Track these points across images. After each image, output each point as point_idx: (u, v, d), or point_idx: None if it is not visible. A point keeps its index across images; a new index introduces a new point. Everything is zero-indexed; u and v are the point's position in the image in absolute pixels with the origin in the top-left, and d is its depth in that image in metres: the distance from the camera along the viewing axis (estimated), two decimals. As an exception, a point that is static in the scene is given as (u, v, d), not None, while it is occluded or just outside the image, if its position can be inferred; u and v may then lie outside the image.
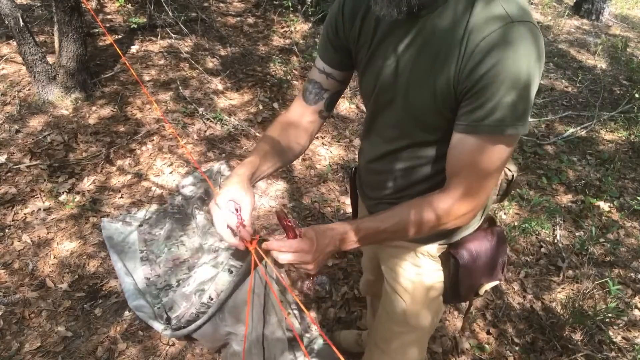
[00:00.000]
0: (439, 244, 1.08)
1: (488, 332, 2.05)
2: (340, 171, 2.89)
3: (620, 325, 2.14)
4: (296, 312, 1.19)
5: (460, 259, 1.04)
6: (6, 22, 2.74)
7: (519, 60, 0.74)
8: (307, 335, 1.71)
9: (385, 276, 1.21)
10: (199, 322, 1.26)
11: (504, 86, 0.75)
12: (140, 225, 2.29)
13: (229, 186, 0.90)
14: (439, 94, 0.83)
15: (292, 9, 4.49)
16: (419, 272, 1.12)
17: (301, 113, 1.09)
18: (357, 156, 1.32)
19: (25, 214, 2.31)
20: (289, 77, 3.75)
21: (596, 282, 2.31)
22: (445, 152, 0.89)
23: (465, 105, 0.80)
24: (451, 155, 0.87)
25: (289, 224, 0.87)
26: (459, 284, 1.08)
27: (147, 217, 2.34)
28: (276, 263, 0.91)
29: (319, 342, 1.71)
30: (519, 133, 0.80)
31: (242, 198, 0.89)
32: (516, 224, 2.62)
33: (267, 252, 0.88)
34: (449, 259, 1.08)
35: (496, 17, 0.75)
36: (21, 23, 2.71)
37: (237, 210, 0.87)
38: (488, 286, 1.11)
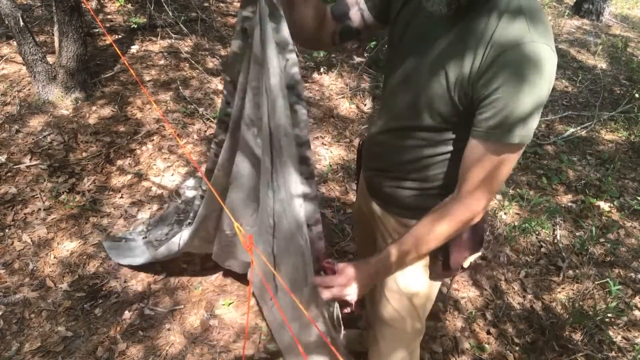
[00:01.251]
0: None
1: (488, 332, 2.05)
2: (340, 171, 2.89)
3: (620, 325, 2.14)
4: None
5: None
6: (6, 22, 2.74)
7: (531, 78, 0.81)
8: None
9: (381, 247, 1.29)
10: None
11: (516, 100, 0.82)
12: (144, 237, 2.26)
13: None
14: (454, 87, 0.90)
15: (292, 9, 4.48)
16: None
17: (325, 14, 1.11)
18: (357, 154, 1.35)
19: (25, 214, 2.31)
20: (289, 77, 3.75)
21: (596, 282, 2.32)
22: (446, 140, 0.99)
23: (481, 113, 0.87)
24: (465, 159, 0.94)
25: (328, 265, 1.04)
26: (449, 255, 1.14)
27: (148, 229, 2.31)
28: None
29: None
30: (525, 142, 0.89)
31: None
32: (516, 224, 2.62)
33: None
34: None
35: (518, 34, 0.82)
36: (21, 23, 2.71)
37: None
38: (471, 258, 1.17)
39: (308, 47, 1.20)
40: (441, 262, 1.16)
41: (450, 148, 1.02)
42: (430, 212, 1.00)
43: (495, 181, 0.92)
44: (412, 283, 1.20)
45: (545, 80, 0.82)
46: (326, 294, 1.00)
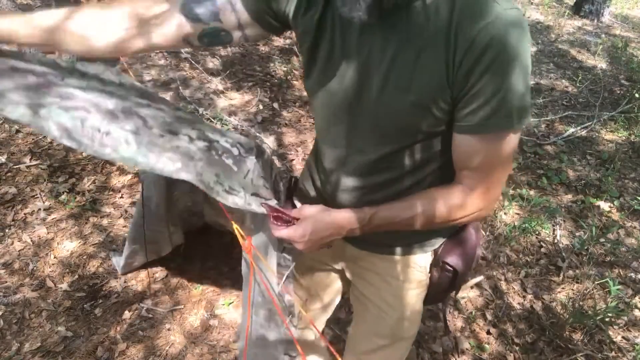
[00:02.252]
0: (424, 252, 1.05)
1: (488, 332, 2.05)
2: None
3: (621, 325, 2.14)
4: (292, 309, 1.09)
5: (457, 267, 1.02)
6: (6, 22, 2.73)
7: (518, 49, 0.71)
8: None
9: (361, 291, 1.15)
10: None
11: (508, 79, 0.72)
12: None
13: None
14: (423, 96, 0.78)
15: (292, 9, 4.49)
16: (406, 286, 1.07)
17: (167, 17, 0.87)
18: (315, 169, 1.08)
19: (25, 214, 2.31)
20: (289, 77, 3.75)
21: (596, 282, 2.31)
22: (427, 159, 0.88)
23: (468, 104, 0.76)
24: (460, 156, 0.83)
25: (277, 214, 0.86)
26: (455, 288, 1.07)
27: None
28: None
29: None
30: (526, 123, 0.79)
31: None
32: (516, 224, 2.62)
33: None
34: (436, 267, 1.06)
35: (485, 9, 0.71)
36: (21, 23, 2.70)
37: None
38: (471, 283, 1.12)
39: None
40: (438, 294, 1.09)
41: (433, 166, 0.91)
42: (436, 193, 0.87)
43: (502, 171, 0.84)
44: (413, 289, 1.09)
45: (529, 46, 0.73)
46: (278, 234, 0.87)
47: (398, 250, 1.04)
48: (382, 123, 0.84)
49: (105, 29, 0.87)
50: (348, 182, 0.95)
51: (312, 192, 1.10)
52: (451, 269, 1.02)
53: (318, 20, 0.82)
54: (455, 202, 0.86)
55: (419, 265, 1.06)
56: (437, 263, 1.05)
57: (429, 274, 1.08)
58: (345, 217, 0.88)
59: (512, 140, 0.80)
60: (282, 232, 0.87)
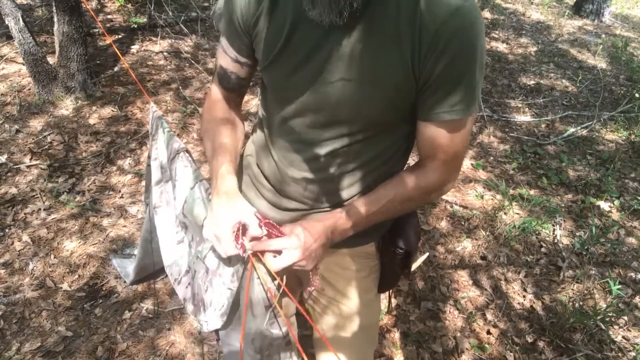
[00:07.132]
0: (374, 240, 1.07)
1: (488, 332, 2.05)
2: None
3: (621, 325, 2.14)
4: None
5: (408, 248, 1.04)
6: (6, 22, 2.74)
7: (478, 40, 0.75)
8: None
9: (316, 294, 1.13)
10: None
11: (470, 69, 0.77)
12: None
13: (228, 205, 0.87)
14: (393, 88, 0.80)
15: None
16: (358, 276, 1.08)
17: (229, 103, 1.05)
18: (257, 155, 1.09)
19: (25, 214, 2.31)
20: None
21: (596, 282, 2.32)
22: (382, 147, 0.91)
23: (434, 94, 0.80)
24: (427, 143, 0.87)
25: (270, 227, 0.85)
26: (408, 268, 1.09)
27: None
28: (271, 274, 0.87)
29: None
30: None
31: (246, 215, 0.86)
32: (516, 224, 2.62)
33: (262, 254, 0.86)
34: (387, 253, 1.08)
35: (446, 1, 0.73)
36: (21, 23, 2.71)
37: (241, 227, 0.84)
38: (419, 261, 1.12)
39: None
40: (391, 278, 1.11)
41: (391, 154, 0.94)
42: (403, 178, 0.91)
43: (464, 150, 0.89)
44: (367, 277, 1.10)
45: (484, 35, 0.77)
46: (277, 264, 0.84)
47: (356, 241, 1.03)
48: (346, 118, 0.85)
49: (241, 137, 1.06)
50: (300, 174, 0.95)
51: (260, 192, 1.06)
52: (402, 251, 1.04)
53: (287, 36, 0.82)
54: (428, 185, 0.90)
55: (372, 253, 1.08)
56: (388, 249, 1.07)
57: (379, 260, 1.10)
58: (326, 216, 0.91)
59: (471, 122, 0.85)
60: (278, 241, 0.85)
